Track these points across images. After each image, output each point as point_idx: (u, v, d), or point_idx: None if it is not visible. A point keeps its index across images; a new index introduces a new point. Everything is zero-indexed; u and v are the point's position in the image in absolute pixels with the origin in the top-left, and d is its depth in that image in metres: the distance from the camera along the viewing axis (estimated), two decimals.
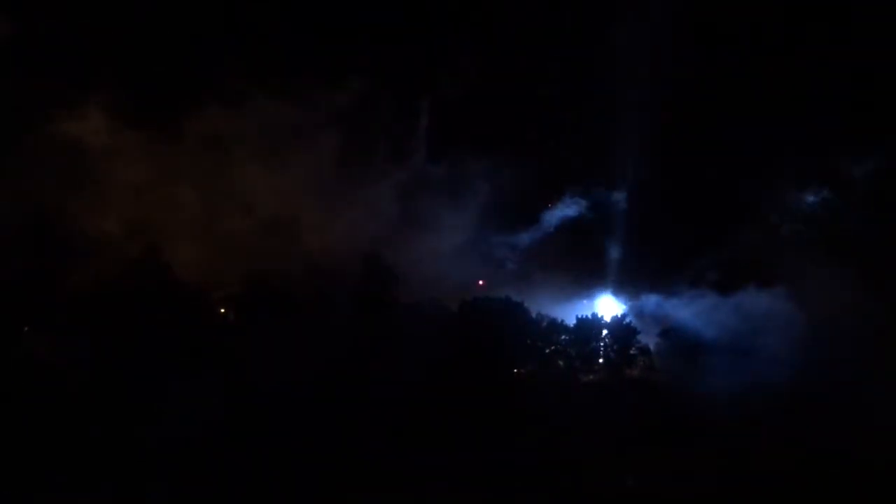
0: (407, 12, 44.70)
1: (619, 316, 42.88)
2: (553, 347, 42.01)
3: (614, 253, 45.89)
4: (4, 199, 37.94)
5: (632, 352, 42.02)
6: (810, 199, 44.89)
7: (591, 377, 41.86)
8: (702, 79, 45.29)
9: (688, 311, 43.53)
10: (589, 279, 45.70)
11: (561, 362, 41.95)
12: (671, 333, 42.67)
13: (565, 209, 46.08)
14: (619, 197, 45.96)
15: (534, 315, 42.24)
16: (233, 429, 34.72)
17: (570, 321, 42.86)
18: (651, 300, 45.22)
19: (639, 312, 44.65)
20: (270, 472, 33.53)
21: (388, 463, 34.30)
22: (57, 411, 34.48)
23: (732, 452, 36.29)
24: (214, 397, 34.68)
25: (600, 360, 42.37)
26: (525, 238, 46.02)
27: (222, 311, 40.70)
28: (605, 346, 42.36)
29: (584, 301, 44.65)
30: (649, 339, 42.82)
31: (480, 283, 44.95)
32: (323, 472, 33.52)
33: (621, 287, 45.76)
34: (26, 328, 37.83)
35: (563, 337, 42.11)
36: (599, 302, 44.92)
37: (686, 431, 37.65)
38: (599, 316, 43.05)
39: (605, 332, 42.45)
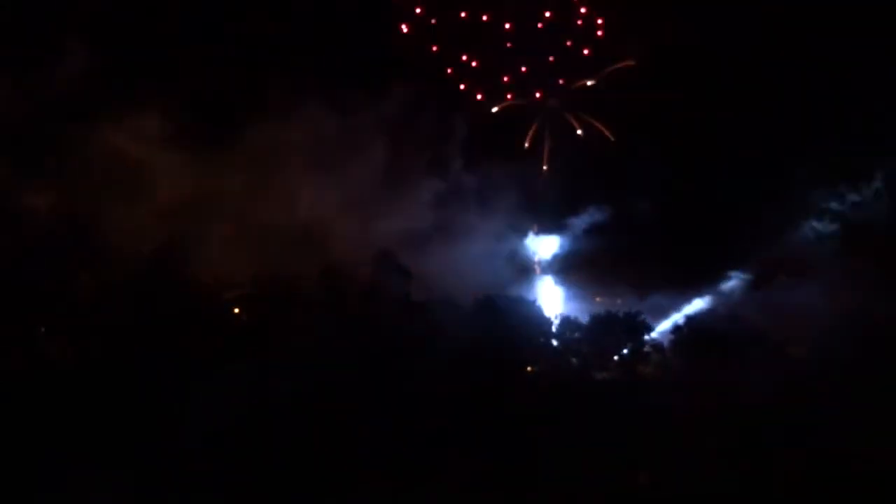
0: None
1: (633, 312, 42.55)
2: (566, 344, 41.82)
3: (630, 252, 46.40)
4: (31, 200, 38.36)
5: (646, 349, 41.75)
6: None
7: (606, 375, 41.62)
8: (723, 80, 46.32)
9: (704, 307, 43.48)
10: (605, 277, 46.07)
11: (574, 360, 41.77)
12: (686, 330, 42.27)
13: (589, 217, 46.84)
14: (643, 203, 46.97)
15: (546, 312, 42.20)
16: (248, 428, 34.85)
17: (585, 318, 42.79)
18: (666, 296, 45.07)
19: (653, 309, 44.47)
20: (284, 471, 33.61)
21: (399, 460, 34.25)
22: (72, 412, 34.69)
23: (749, 451, 35.87)
24: (230, 397, 34.84)
25: (615, 358, 42.08)
26: (550, 242, 47.24)
27: (236, 310, 40.81)
28: (619, 343, 42.03)
29: (598, 298, 44.64)
30: (663, 336, 42.73)
31: None
32: (335, 469, 33.60)
33: (636, 284, 45.68)
34: (42, 329, 38.21)
35: (576, 334, 41.92)
36: (614, 298, 44.79)
37: (701, 428, 37.19)
38: (613, 312, 42.80)
39: (619, 329, 42.14)
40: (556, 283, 46.05)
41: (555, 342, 41.88)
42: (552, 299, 44.19)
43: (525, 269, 46.54)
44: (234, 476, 32.85)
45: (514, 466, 34.81)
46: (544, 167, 49.36)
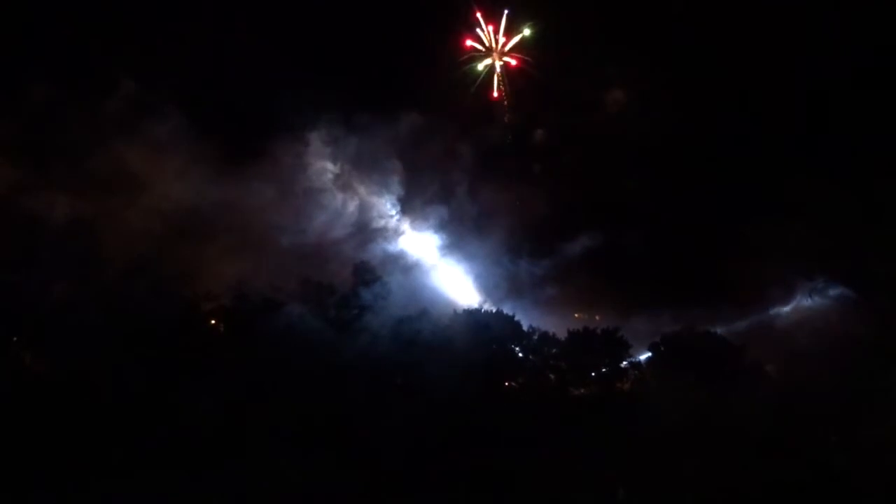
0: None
1: (611, 329, 42.52)
2: (544, 360, 41.72)
3: (613, 274, 47.20)
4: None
5: (623, 365, 41.63)
6: None
7: (583, 391, 41.46)
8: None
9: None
10: (586, 295, 46.45)
11: (552, 375, 41.58)
12: (663, 347, 42.32)
13: (582, 242, 48.17)
14: (630, 232, 48.30)
15: (525, 328, 42.08)
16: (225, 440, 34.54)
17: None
18: (647, 317, 45.27)
19: (633, 330, 44.57)
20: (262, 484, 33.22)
21: (373, 475, 33.91)
22: (48, 423, 34.21)
23: (726, 466, 35.71)
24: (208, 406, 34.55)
25: (592, 374, 41.97)
26: (542, 265, 48.18)
27: (212, 321, 40.62)
28: (596, 359, 41.98)
29: (577, 314, 44.84)
30: (641, 353, 42.71)
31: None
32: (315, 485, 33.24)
33: (617, 304, 45.99)
34: (15, 338, 37.83)
35: (554, 350, 41.79)
36: (593, 315, 45.03)
37: (678, 445, 37.07)
38: (591, 329, 42.74)
39: (596, 345, 42.08)
40: (537, 299, 46.26)
41: (532, 357, 41.77)
42: (532, 315, 44.17)
43: (512, 287, 46.85)
44: (213, 482, 32.48)
45: (491, 482, 34.47)
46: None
